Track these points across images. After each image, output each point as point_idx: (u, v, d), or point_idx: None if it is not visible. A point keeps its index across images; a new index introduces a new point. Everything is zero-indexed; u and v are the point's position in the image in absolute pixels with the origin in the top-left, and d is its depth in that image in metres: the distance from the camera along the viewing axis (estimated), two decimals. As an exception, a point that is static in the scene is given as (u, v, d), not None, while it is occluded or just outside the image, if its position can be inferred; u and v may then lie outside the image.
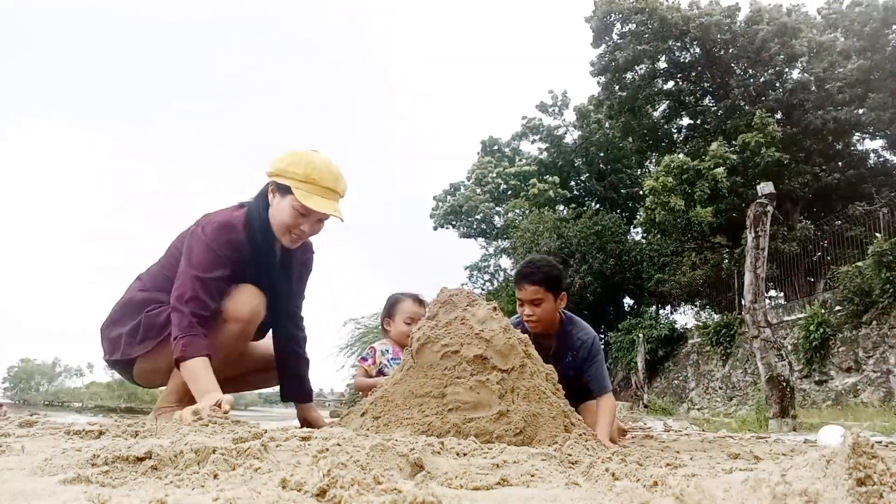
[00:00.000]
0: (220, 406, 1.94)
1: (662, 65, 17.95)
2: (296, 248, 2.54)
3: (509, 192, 24.30)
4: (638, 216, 20.58)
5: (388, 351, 3.24)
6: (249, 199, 2.51)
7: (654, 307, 18.62)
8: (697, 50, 17.53)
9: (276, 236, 2.43)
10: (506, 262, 23.52)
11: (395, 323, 3.23)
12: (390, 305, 3.29)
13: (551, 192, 21.75)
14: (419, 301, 3.23)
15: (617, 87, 18.16)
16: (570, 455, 1.43)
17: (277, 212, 2.39)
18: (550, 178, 22.41)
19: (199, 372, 2.14)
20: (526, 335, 2.19)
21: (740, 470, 1.26)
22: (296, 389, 2.68)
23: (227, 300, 2.36)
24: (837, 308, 10.20)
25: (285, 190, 2.35)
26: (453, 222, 25.15)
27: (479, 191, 24.52)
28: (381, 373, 3.16)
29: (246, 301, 2.36)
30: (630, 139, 19.34)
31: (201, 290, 2.25)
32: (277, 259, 2.53)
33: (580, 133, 24.05)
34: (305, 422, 2.62)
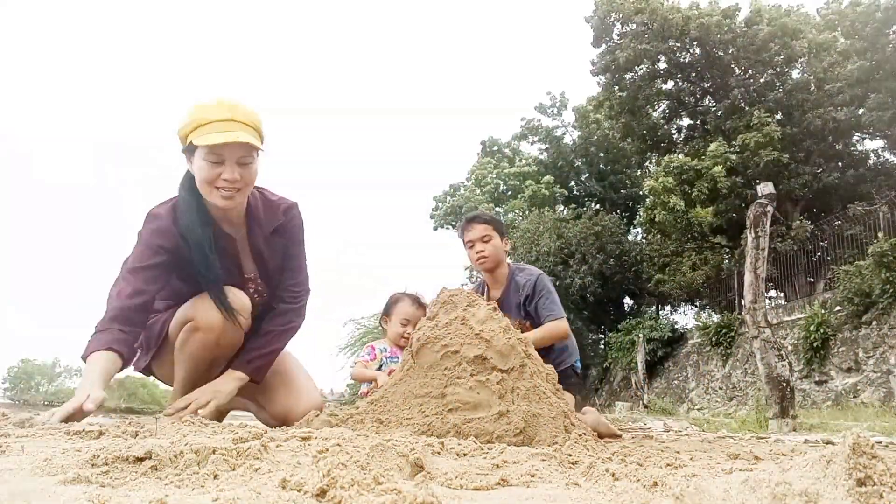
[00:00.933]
0: (82, 409, 1.85)
1: (662, 65, 17.94)
2: (263, 216, 2.35)
3: (509, 193, 24.31)
4: (638, 216, 20.57)
5: (385, 349, 3.26)
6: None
7: (655, 307, 18.63)
8: (697, 50, 17.52)
9: (214, 213, 2.25)
10: (506, 262, 23.51)
11: (392, 323, 3.25)
12: (389, 305, 3.31)
13: (545, 191, 21.78)
14: (417, 302, 3.23)
15: (617, 88, 18.16)
16: (570, 455, 1.43)
17: (196, 175, 2.16)
18: (545, 178, 22.44)
19: (86, 368, 2.02)
20: (522, 334, 2.19)
21: (740, 470, 1.26)
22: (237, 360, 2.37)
23: (189, 308, 2.27)
24: (837, 308, 10.20)
25: (191, 150, 2.15)
26: (453, 223, 25.16)
27: (478, 191, 24.55)
28: (379, 369, 3.18)
29: (205, 311, 2.22)
30: (630, 139, 19.32)
31: (133, 280, 2.15)
32: (243, 238, 2.36)
33: (579, 133, 24.07)
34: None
